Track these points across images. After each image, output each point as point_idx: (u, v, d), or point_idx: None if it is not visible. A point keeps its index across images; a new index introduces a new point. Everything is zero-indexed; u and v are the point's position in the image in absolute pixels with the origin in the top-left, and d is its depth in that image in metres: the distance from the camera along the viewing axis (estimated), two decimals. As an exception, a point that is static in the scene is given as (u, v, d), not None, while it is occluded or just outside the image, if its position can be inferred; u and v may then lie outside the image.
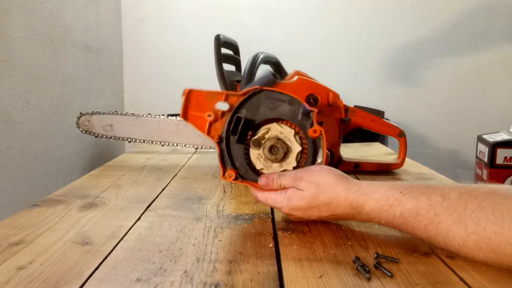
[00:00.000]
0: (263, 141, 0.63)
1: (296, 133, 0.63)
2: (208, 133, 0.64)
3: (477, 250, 0.45)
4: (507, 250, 0.42)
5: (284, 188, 0.59)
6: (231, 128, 0.63)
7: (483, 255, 0.45)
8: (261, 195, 0.61)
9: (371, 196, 0.53)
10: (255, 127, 0.64)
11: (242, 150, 0.64)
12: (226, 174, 0.64)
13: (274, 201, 0.59)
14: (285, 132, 0.63)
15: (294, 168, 0.63)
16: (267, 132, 0.64)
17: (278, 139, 0.63)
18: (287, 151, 0.63)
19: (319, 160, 0.64)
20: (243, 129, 0.63)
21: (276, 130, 0.63)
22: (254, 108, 0.64)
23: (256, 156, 0.64)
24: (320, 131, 0.63)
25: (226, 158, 0.64)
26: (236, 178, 0.63)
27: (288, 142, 0.63)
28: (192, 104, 0.65)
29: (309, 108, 0.63)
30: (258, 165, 0.64)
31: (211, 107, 0.64)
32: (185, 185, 0.82)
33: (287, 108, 0.64)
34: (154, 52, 2.04)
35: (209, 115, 0.63)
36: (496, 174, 1.66)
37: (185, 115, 0.65)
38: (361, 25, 2.02)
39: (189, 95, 0.65)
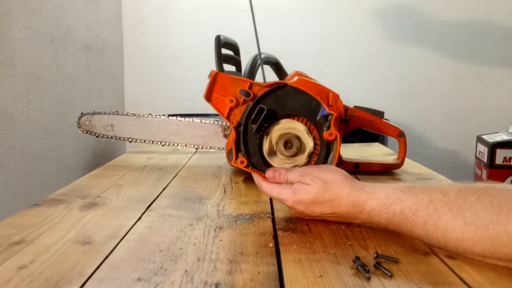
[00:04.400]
0: (275, 145, 0.65)
1: (308, 129, 0.64)
2: (228, 117, 0.65)
3: (475, 242, 0.45)
4: (504, 238, 0.43)
5: (290, 183, 0.60)
6: (252, 117, 0.64)
7: (481, 248, 0.45)
8: (266, 186, 0.62)
9: (374, 195, 0.54)
10: (274, 120, 0.65)
11: (257, 140, 0.65)
12: (238, 160, 0.65)
13: (278, 192, 0.60)
14: (297, 127, 0.64)
15: (306, 163, 0.64)
16: (278, 130, 0.65)
17: (289, 134, 0.64)
18: (300, 146, 0.64)
19: (329, 163, 0.65)
20: (264, 120, 0.63)
21: (285, 126, 0.64)
22: (276, 101, 0.64)
23: (277, 162, 0.65)
24: (336, 135, 0.63)
25: (241, 145, 0.65)
26: (247, 166, 0.65)
27: (299, 134, 0.64)
28: (217, 86, 0.66)
29: (328, 110, 0.64)
30: (275, 163, 0.65)
31: (233, 92, 0.65)
32: (185, 185, 0.82)
33: (307, 106, 0.64)
34: (154, 52, 2.04)
35: (231, 100, 0.64)
36: (495, 174, 1.66)
37: (208, 96, 0.66)
38: (361, 25, 2.02)
39: (216, 77, 0.66)
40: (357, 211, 0.55)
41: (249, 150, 0.65)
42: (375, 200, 0.53)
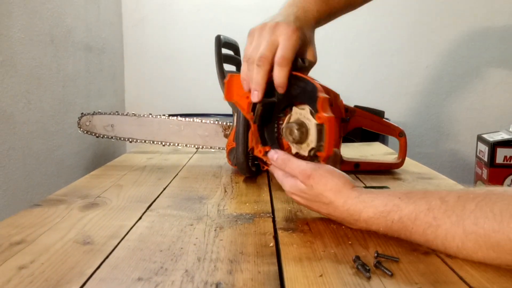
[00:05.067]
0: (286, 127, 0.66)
1: (311, 111, 0.65)
2: (248, 112, 0.70)
3: (475, 250, 0.45)
4: (507, 246, 0.42)
5: (290, 173, 0.61)
6: (254, 111, 0.68)
7: (482, 255, 0.45)
8: (275, 170, 0.64)
9: (370, 204, 0.53)
10: (282, 109, 0.68)
11: (273, 130, 0.69)
12: (257, 150, 0.69)
13: (281, 180, 0.62)
14: (303, 112, 0.64)
15: (318, 143, 0.62)
16: (290, 117, 0.67)
17: (297, 120, 0.65)
18: (306, 129, 0.64)
19: (320, 148, 0.63)
20: (264, 111, 0.68)
21: (296, 112, 0.66)
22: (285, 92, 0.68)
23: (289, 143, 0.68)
24: (324, 118, 0.62)
25: (258, 137, 0.70)
26: (265, 154, 0.68)
27: (306, 120, 0.64)
28: (234, 87, 0.71)
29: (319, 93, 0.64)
30: (293, 150, 0.67)
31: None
32: (186, 185, 0.82)
33: (306, 92, 0.66)
34: (154, 52, 2.04)
35: (248, 97, 0.69)
36: (495, 173, 1.66)
37: (229, 96, 0.72)
38: (361, 25, 2.02)
39: (231, 79, 0.72)
40: (353, 220, 0.55)
41: (267, 141, 0.69)
42: (372, 209, 0.53)
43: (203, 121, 0.95)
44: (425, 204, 0.49)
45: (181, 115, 1.00)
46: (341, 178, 0.57)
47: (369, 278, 0.44)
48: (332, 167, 0.59)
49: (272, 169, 0.65)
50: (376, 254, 0.48)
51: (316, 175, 0.57)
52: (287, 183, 0.61)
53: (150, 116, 0.96)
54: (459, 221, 0.46)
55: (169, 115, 0.97)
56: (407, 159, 0.93)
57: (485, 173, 1.71)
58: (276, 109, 0.69)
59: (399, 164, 0.91)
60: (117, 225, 0.59)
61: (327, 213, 0.57)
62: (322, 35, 2.17)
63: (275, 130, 0.69)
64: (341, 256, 0.49)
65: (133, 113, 0.97)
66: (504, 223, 0.43)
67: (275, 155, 0.63)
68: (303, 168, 0.58)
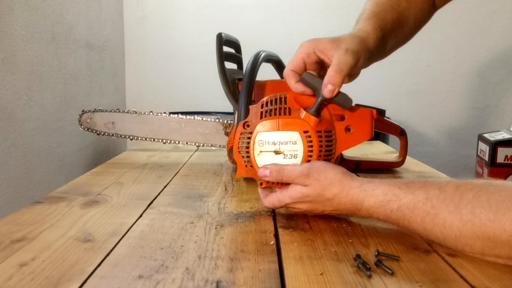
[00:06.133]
0: None
1: None
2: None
3: (474, 239, 0.45)
4: (502, 236, 0.43)
5: (286, 183, 0.59)
6: None
7: (480, 244, 0.45)
8: (268, 198, 0.61)
9: (371, 193, 0.54)
10: None
11: None
12: None
13: (279, 198, 0.60)
14: None
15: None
16: None
17: None
18: None
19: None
20: None
21: None
22: None
23: None
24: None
25: None
26: None
27: None
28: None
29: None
30: None
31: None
32: (186, 182, 0.82)
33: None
34: (156, 50, 2.04)
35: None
36: (496, 173, 1.66)
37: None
38: (363, 24, 2.01)
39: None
40: (356, 209, 0.55)
41: None
42: (373, 198, 0.53)
43: (204, 119, 0.95)
44: (423, 193, 0.50)
45: (182, 113, 1.00)
46: (338, 169, 0.57)
47: (369, 276, 0.44)
48: (325, 162, 0.59)
49: (267, 202, 0.62)
50: (376, 253, 0.48)
51: (314, 171, 0.57)
52: (288, 194, 0.58)
53: (151, 113, 0.96)
54: (456, 210, 0.46)
55: (170, 113, 0.97)
56: (407, 158, 0.93)
57: (486, 172, 1.71)
58: None
59: (400, 163, 0.92)
60: (117, 222, 0.59)
61: (332, 209, 0.57)
62: (324, 34, 2.16)
63: None
64: (342, 254, 0.49)
65: (134, 111, 0.97)
66: (500, 214, 0.43)
67: (266, 171, 0.59)
68: (299, 170, 0.57)
